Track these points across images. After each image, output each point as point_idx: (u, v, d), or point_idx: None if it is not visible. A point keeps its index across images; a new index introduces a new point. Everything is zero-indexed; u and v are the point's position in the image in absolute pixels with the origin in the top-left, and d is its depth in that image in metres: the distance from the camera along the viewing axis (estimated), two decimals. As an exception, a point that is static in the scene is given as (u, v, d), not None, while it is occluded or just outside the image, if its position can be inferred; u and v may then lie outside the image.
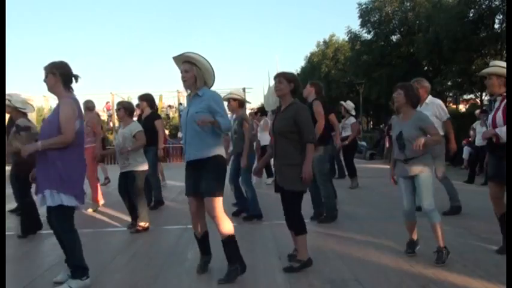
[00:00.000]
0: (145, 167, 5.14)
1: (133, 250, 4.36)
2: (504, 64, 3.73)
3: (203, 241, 3.53)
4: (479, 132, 9.21)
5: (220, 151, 3.41)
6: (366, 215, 5.51)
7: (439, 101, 5.59)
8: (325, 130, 5.27)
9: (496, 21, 17.89)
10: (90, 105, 7.06)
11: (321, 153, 5.08)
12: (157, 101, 19.53)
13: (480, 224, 4.87)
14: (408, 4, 23.77)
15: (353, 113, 9.43)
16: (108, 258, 4.04)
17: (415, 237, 3.91)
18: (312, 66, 37.67)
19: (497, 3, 17.16)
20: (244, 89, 21.98)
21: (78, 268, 3.28)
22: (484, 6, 17.64)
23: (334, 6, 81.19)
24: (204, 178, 3.28)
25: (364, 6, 24.26)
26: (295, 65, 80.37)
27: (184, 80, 3.38)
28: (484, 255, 3.78)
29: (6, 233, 4.87)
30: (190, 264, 3.82)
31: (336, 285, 3.18)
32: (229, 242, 3.33)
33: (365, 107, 27.16)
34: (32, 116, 7.26)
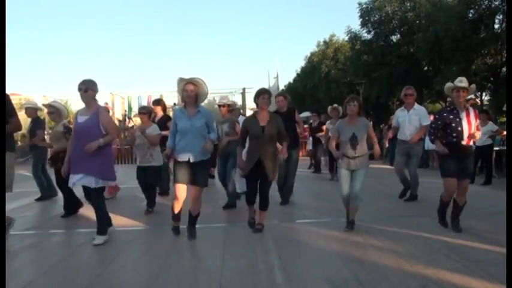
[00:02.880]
0: (161, 163, 6.29)
1: (133, 250, 4.36)
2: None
3: (179, 215, 4.69)
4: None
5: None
6: (365, 214, 5.50)
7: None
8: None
9: (496, 21, 17.91)
10: None
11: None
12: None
13: (480, 224, 4.87)
14: (408, 4, 23.78)
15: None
16: (108, 258, 4.04)
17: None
18: (312, 66, 37.69)
19: (497, 3, 17.18)
20: (244, 89, 21.98)
21: (105, 227, 4.58)
22: (484, 6, 17.67)
23: (334, 6, 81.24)
24: (200, 173, 4.46)
25: (364, 6, 24.29)
26: (295, 65, 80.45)
27: (188, 97, 4.40)
28: (484, 255, 3.78)
29: (10, 232, 4.88)
30: (191, 264, 3.82)
31: (336, 285, 3.18)
32: (196, 217, 4.67)
33: (365, 107, 27.15)
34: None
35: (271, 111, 5.06)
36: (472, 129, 4.51)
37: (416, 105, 6.59)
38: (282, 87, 39.99)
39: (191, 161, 4.42)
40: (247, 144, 4.94)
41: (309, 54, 40.16)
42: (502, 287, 2.97)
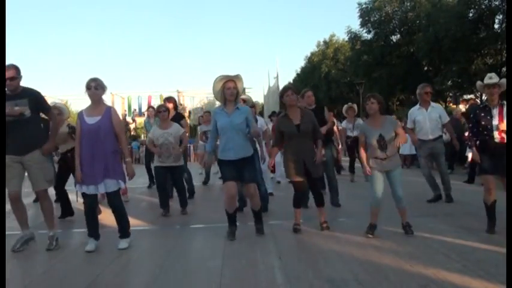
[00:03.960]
0: (183, 162, 6.28)
1: (133, 250, 4.36)
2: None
3: (235, 215, 4.62)
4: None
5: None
6: (366, 214, 5.49)
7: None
8: None
9: (496, 21, 17.90)
10: None
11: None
12: (157, 101, 19.56)
13: (480, 224, 4.86)
14: (408, 4, 23.77)
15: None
16: (108, 258, 4.04)
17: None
18: (312, 66, 37.70)
19: (497, 3, 17.18)
20: (244, 89, 22.00)
21: (128, 229, 4.49)
22: (483, 6, 17.66)
23: (334, 6, 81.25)
24: (247, 169, 4.44)
25: (364, 6, 24.28)
26: (295, 65, 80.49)
27: (232, 94, 4.38)
28: (484, 255, 3.78)
29: (7, 232, 4.88)
30: (191, 264, 3.82)
31: (336, 285, 3.18)
32: (260, 211, 4.68)
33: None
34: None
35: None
36: (504, 125, 4.38)
37: (432, 103, 6.39)
38: (282, 87, 39.95)
39: (233, 158, 4.38)
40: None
41: (309, 54, 40.18)
42: (502, 287, 2.97)
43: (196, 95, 23.06)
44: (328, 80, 33.92)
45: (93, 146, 4.15)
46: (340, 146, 9.46)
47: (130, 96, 22.84)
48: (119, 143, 4.31)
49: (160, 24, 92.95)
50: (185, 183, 6.73)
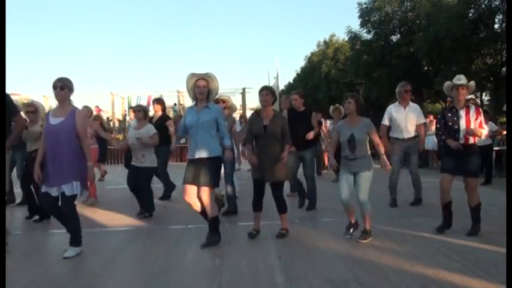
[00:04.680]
0: (155, 164, 6.00)
1: (133, 250, 4.36)
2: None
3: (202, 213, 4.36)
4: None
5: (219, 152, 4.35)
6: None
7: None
8: None
9: (496, 21, 17.89)
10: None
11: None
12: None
13: (480, 224, 4.86)
14: (408, 4, 23.74)
15: None
16: (108, 258, 4.04)
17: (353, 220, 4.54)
18: (312, 66, 37.66)
19: (497, 3, 17.16)
20: (244, 89, 22.00)
21: (79, 238, 4.19)
22: (483, 6, 17.65)
23: (334, 6, 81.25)
24: (203, 172, 4.16)
25: (364, 6, 24.25)
26: (295, 65, 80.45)
27: (201, 93, 4.25)
28: (484, 255, 3.78)
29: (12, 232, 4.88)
30: (191, 264, 3.82)
31: (336, 285, 3.18)
32: (214, 219, 4.34)
33: (365, 107, 27.16)
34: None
35: (279, 109, 4.90)
36: (470, 127, 4.45)
37: (411, 103, 6.36)
38: (282, 87, 40.01)
39: (194, 157, 4.26)
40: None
41: (309, 54, 40.11)
42: (502, 287, 2.96)
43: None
44: (328, 80, 33.88)
45: (53, 147, 4.01)
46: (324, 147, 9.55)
47: (130, 96, 22.85)
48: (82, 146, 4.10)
49: (160, 24, 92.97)
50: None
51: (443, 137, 4.59)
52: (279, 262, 3.75)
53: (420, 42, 20.42)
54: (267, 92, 4.62)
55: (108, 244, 4.61)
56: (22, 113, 6.67)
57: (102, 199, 7.29)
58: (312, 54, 38.81)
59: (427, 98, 25.92)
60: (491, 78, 19.32)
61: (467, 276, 3.25)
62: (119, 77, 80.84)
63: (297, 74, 45.06)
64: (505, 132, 9.84)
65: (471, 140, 4.47)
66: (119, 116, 22.37)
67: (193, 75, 4.34)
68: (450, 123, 4.51)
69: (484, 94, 22.34)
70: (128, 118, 14.24)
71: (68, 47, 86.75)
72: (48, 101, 21.80)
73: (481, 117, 4.53)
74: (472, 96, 24.04)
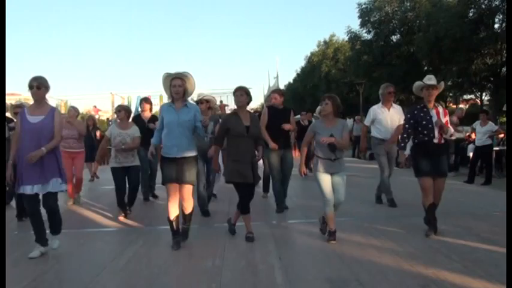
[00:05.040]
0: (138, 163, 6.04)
1: (133, 250, 4.36)
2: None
3: (175, 223, 4.37)
4: (479, 132, 9.23)
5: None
6: (366, 214, 5.50)
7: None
8: None
9: (496, 21, 17.88)
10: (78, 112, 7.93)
11: None
12: (157, 101, 19.56)
13: (480, 224, 4.87)
14: (408, 4, 23.74)
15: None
16: (108, 258, 4.04)
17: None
18: (312, 66, 37.68)
19: (497, 3, 17.15)
20: (249, 89, 21.99)
21: (58, 228, 4.32)
22: (484, 6, 17.63)
23: (334, 6, 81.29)
24: (187, 169, 4.22)
25: (364, 6, 24.25)
26: (295, 65, 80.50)
27: (177, 92, 4.24)
28: (484, 255, 3.78)
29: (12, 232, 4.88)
30: (191, 264, 3.82)
31: (336, 285, 3.18)
32: (190, 215, 4.44)
33: (365, 107, 27.16)
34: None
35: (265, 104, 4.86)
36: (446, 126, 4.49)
37: (394, 104, 6.35)
38: (282, 87, 39.96)
39: (176, 156, 4.23)
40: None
41: (309, 54, 40.14)
42: (502, 287, 2.97)
43: (196, 94, 23.06)
44: (328, 80, 33.89)
45: (36, 145, 3.98)
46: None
47: (131, 96, 22.87)
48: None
49: (160, 24, 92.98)
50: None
51: (401, 144, 4.62)
52: (279, 262, 3.75)
53: (420, 42, 20.41)
54: (241, 92, 4.53)
55: (108, 244, 4.61)
56: (8, 114, 6.68)
57: (102, 199, 7.30)
58: (312, 54, 38.82)
59: (427, 98, 25.91)
60: (491, 78, 19.31)
61: (467, 276, 3.25)
62: (119, 77, 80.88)
63: (297, 74, 45.06)
64: (502, 135, 9.88)
65: (442, 140, 4.49)
66: (119, 116, 22.44)
67: (168, 74, 4.35)
68: (424, 122, 4.50)
69: (484, 94, 22.33)
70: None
71: (68, 47, 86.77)
72: (48, 101, 21.81)
73: (447, 118, 4.60)
74: (472, 96, 24.12)
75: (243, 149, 4.43)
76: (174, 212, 4.31)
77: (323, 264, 3.68)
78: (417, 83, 4.68)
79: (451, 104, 25.74)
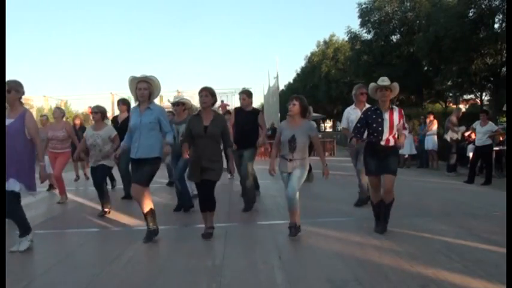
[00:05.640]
0: (113, 164, 6.14)
1: (133, 250, 4.36)
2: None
3: (149, 215, 4.51)
4: (479, 132, 9.23)
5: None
6: (365, 214, 5.50)
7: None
8: None
9: (496, 21, 17.88)
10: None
11: None
12: (157, 101, 19.55)
13: (480, 224, 4.87)
14: (408, 4, 23.76)
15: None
16: (108, 258, 4.04)
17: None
18: (312, 66, 37.72)
19: (497, 3, 17.15)
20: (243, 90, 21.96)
21: (28, 230, 4.36)
22: (483, 6, 17.63)
23: (334, 6, 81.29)
24: (141, 169, 4.40)
25: (364, 6, 24.27)
26: (295, 65, 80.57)
27: (142, 95, 4.43)
28: (484, 255, 3.78)
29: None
30: (191, 264, 3.82)
31: (336, 285, 3.18)
32: (149, 213, 4.50)
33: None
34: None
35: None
36: (394, 129, 4.52)
37: (367, 104, 6.24)
38: (282, 87, 39.98)
39: (134, 156, 4.44)
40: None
41: (309, 54, 40.20)
42: (502, 287, 2.97)
43: (195, 94, 23.03)
44: (328, 79, 33.95)
45: (10, 146, 4.11)
46: None
47: (130, 96, 22.86)
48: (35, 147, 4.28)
49: (160, 24, 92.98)
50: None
51: (351, 135, 4.68)
52: (279, 262, 3.75)
53: (420, 42, 20.42)
54: (206, 93, 4.54)
55: (108, 244, 4.61)
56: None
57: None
58: (312, 54, 38.88)
59: (427, 98, 25.93)
60: (491, 78, 19.32)
61: (467, 276, 3.25)
62: (119, 77, 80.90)
63: (297, 74, 45.12)
64: (501, 138, 9.89)
65: (391, 142, 4.53)
66: (119, 116, 22.41)
67: (134, 77, 4.49)
68: (375, 125, 4.52)
69: (484, 94, 22.34)
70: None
71: (68, 47, 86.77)
72: (48, 101, 21.81)
73: (403, 120, 4.63)
74: (472, 96, 24.12)
75: (201, 149, 4.47)
76: (143, 208, 4.50)
77: (323, 264, 3.68)
78: (371, 84, 4.72)
79: (451, 104, 25.73)
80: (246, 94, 6.20)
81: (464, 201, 6.36)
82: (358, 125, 4.66)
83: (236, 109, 6.27)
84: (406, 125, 4.69)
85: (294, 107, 4.42)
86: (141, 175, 4.42)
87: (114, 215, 6.05)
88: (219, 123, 4.53)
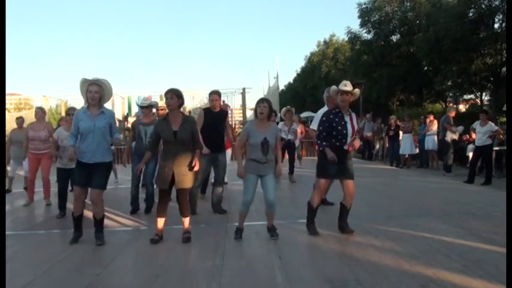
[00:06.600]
0: None
1: (133, 250, 4.36)
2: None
3: (79, 220, 4.62)
4: (479, 132, 9.23)
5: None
6: (366, 215, 5.50)
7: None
8: None
9: (496, 21, 17.90)
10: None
11: None
12: (158, 101, 19.53)
13: (480, 224, 4.87)
14: (408, 4, 23.77)
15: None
16: (108, 258, 4.04)
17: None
18: (312, 66, 37.73)
19: (497, 3, 17.18)
20: (244, 89, 21.98)
21: None
22: (483, 6, 17.65)
23: (334, 6, 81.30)
24: (98, 175, 4.38)
25: (364, 6, 24.28)
26: (295, 65, 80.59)
27: (93, 98, 4.36)
28: (484, 255, 3.78)
29: (6, 232, 4.89)
30: (190, 264, 3.82)
31: (336, 285, 3.18)
32: (102, 220, 4.61)
33: (365, 107, 27.16)
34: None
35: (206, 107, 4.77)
36: (355, 133, 4.59)
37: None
38: (282, 87, 40.03)
39: (88, 161, 4.37)
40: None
41: (309, 54, 40.21)
42: (502, 287, 2.97)
43: (196, 95, 23.08)
44: (328, 80, 33.91)
45: None
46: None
47: (130, 96, 22.84)
48: None
49: (160, 24, 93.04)
50: None
51: (323, 143, 4.57)
52: (279, 262, 3.75)
53: (420, 42, 20.43)
54: (171, 94, 4.41)
55: (108, 244, 4.61)
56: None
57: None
58: (312, 54, 38.89)
59: (427, 98, 25.93)
60: (491, 78, 19.33)
61: (467, 276, 3.25)
62: (119, 77, 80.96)
63: (297, 74, 45.12)
64: (501, 137, 9.89)
65: (351, 148, 4.65)
66: (119, 116, 22.35)
67: (85, 80, 4.43)
68: (339, 128, 4.52)
69: (484, 94, 22.34)
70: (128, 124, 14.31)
71: (68, 47, 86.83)
72: (49, 101, 21.80)
73: (358, 125, 4.76)
74: (472, 96, 24.11)
75: (170, 155, 4.40)
76: (78, 209, 4.57)
77: (323, 264, 3.68)
78: (333, 87, 4.79)
79: (451, 104, 25.74)
80: (218, 94, 6.11)
81: (464, 201, 6.35)
82: (321, 127, 4.63)
83: (205, 110, 6.10)
84: (359, 129, 4.80)
85: (265, 109, 4.41)
86: (100, 180, 4.41)
87: (113, 215, 6.05)
88: (188, 127, 4.43)
